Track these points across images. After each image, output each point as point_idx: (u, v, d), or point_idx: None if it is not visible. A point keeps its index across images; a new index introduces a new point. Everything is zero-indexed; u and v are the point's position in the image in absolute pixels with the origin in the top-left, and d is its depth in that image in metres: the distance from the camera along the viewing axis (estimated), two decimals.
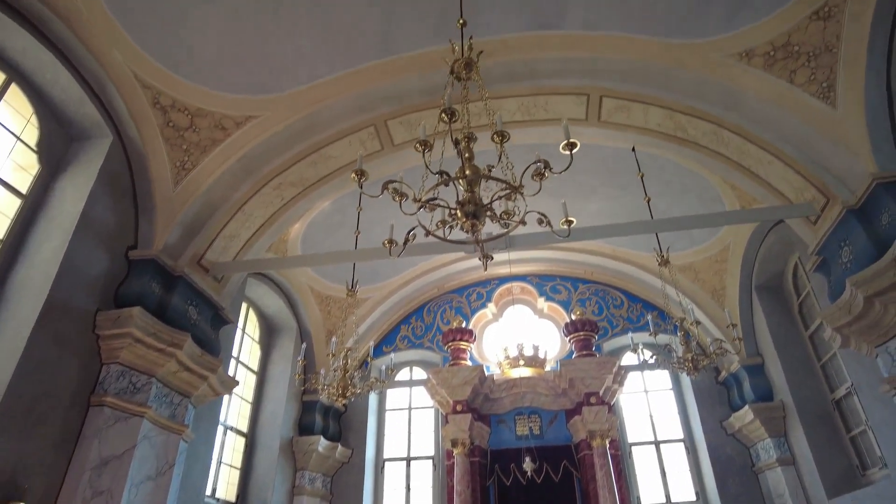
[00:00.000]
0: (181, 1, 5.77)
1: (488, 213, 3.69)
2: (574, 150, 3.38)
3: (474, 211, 3.60)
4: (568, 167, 3.49)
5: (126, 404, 5.57)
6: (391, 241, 4.20)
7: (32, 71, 5.50)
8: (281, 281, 10.06)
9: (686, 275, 10.27)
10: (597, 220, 9.91)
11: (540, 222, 3.91)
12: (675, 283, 8.34)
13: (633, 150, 8.05)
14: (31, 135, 5.67)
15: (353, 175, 3.57)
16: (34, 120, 5.68)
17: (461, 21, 4.89)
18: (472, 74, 4.41)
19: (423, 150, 3.48)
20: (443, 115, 3.50)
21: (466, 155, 3.75)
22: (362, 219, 8.83)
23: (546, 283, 12.32)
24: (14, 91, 5.49)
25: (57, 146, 5.91)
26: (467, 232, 3.70)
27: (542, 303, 12.26)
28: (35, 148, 5.67)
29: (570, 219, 4.02)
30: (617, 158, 8.64)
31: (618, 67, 6.84)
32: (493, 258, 4.48)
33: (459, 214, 3.65)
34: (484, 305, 12.44)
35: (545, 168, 3.45)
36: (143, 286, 6.01)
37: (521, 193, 3.63)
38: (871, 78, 5.42)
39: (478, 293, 12.54)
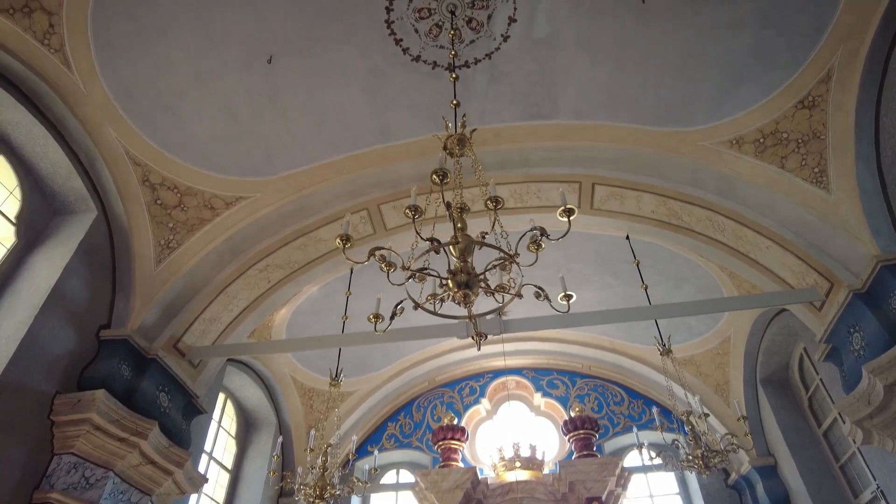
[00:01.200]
0: (179, 82, 5.87)
1: (482, 284, 3.46)
2: (572, 217, 3.22)
3: (467, 281, 3.37)
4: (566, 234, 3.31)
5: (74, 502, 4.96)
6: (377, 316, 3.94)
7: (22, 143, 5.45)
8: (262, 370, 9.55)
9: (687, 368, 9.87)
10: (592, 310, 9.68)
11: (537, 296, 3.68)
12: (678, 374, 7.94)
13: (627, 238, 8.00)
14: (12, 206, 5.52)
15: (338, 240, 3.34)
16: (17, 192, 5.56)
17: (455, 102, 4.96)
18: (466, 150, 4.37)
19: (414, 216, 3.31)
20: (434, 176, 3.36)
21: (459, 225, 3.58)
22: (352, 305, 8.56)
23: (542, 378, 11.81)
24: (0, 162, 5.41)
25: (37, 219, 5.74)
26: (459, 304, 3.44)
27: (538, 398, 11.67)
28: (14, 220, 5.49)
29: (568, 293, 3.79)
30: (611, 247, 8.56)
31: (609, 155, 6.93)
32: (486, 337, 4.18)
33: (451, 285, 3.42)
34: (477, 401, 11.82)
35: (542, 236, 3.27)
36: (111, 368, 5.60)
37: (517, 262, 3.42)
38: (861, 165, 5.45)
39: (471, 388, 11.97)
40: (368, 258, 3.38)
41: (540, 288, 3.67)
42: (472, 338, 4.11)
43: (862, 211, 5.41)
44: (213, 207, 6.70)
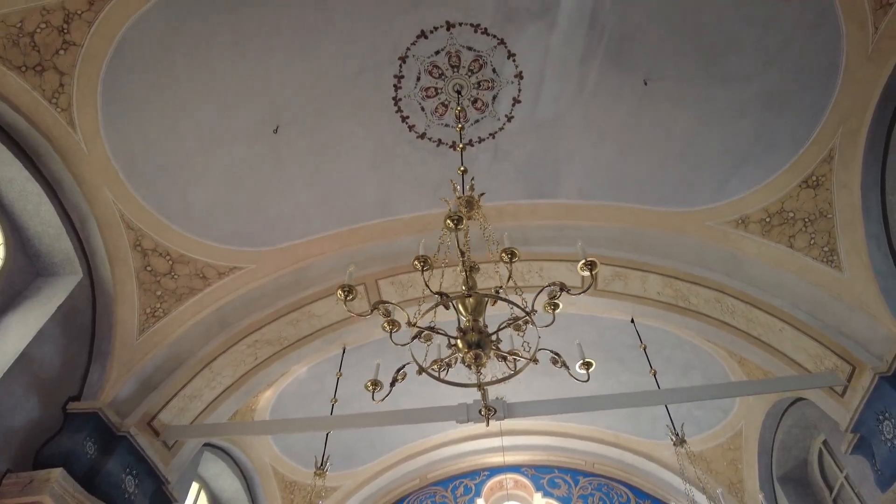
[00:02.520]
0: (184, 148, 5.84)
1: (494, 345, 3.18)
2: (594, 271, 3.01)
3: (478, 340, 3.08)
4: (587, 289, 3.08)
5: None
6: (375, 383, 3.60)
7: (14, 200, 5.29)
8: (241, 458, 8.80)
9: (697, 465, 9.22)
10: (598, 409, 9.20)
11: (554, 362, 3.39)
12: (691, 468, 7.37)
13: (633, 321, 7.75)
14: None
15: (339, 291, 3.06)
16: (1, 250, 5.31)
17: (462, 168, 4.92)
18: (474, 213, 4.25)
19: (423, 268, 3.08)
20: (448, 221, 3.17)
21: (469, 282, 3.35)
22: (342, 389, 8.07)
23: (543, 476, 11.00)
24: None
25: (18, 280, 5.44)
26: (469, 367, 3.12)
27: (538, 499, 10.80)
28: None
29: (587, 360, 3.49)
30: (615, 331, 8.28)
31: (613, 235, 6.85)
32: (494, 412, 3.80)
33: (461, 345, 3.13)
34: (472, 501, 10.92)
35: (561, 291, 3.04)
36: (75, 444, 5.06)
37: (533, 321, 3.16)
38: (871, 243, 5.37)
39: (465, 486, 11.10)
40: (371, 311, 3.11)
41: (556, 353, 3.38)
42: (480, 412, 3.72)
43: (878, 290, 5.25)
44: (206, 277, 6.45)
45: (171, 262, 6.21)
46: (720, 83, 5.61)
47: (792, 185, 5.72)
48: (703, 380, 8.31)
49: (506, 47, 5.80)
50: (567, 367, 3.31)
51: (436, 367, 3.40)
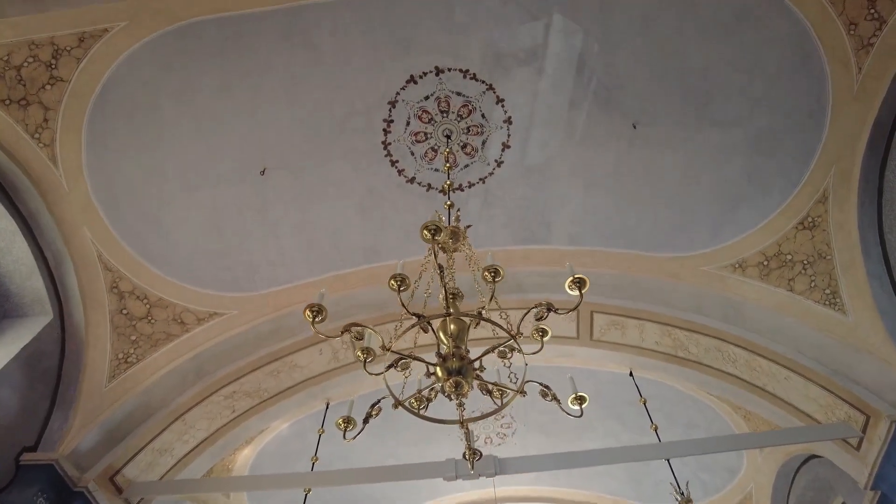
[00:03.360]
0: (168, 190, 5.76)
1: (476, 371, 2.92)
2: (584, 289, 2.81)
3: (459, 367, 2.83)
4: (577, 307, 2.87)
5: None
6: (347, 420, 3.30)
7: None
8: None
9: None
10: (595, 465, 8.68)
11: (544, 395, 3.11)
12: None
13: (631, 374, 7.42)
14: None
15: (307, 312, 2.83)
16: None
17: (448, 203, 4.81)
18: (459, 245, 4.09)
19: (399, 287, 2.88)
20: (425, 231, 3.00)
21: (449, 304, 3.13)
22: (324, 448, 7.58)
23: None
24: None
25: None
26: (449, 396, 2.85)
27: None
28: None
29: (580, 394, 3.22)
30: (613, 385, 7.93)
31: (607, 282, 6.67)
32: (480, 455, 3.47)
33: (440, 373, 2.87)
34: None
35: (548, 311, 2.83)
36: (24, 500, 4.63)
37: (518, 347, 2.92)
38: (874, 284, 5.19)
39: None
40: (342, 333, 2.88)
41: (546, 386, 3.11)
42: (465, 457, 3.40)
43: (886, 332, 5.01)
44: (184, 322, 6.19)
45: (148, 306, 5.97)
46: (710, 126, 5.61)
47: (788, 227, 5.60)
48: (707, 437, 7.86)
49: (494, 93, 5.84)
50: (558, 401, 3.03)
51: (415, 402, 3.12)
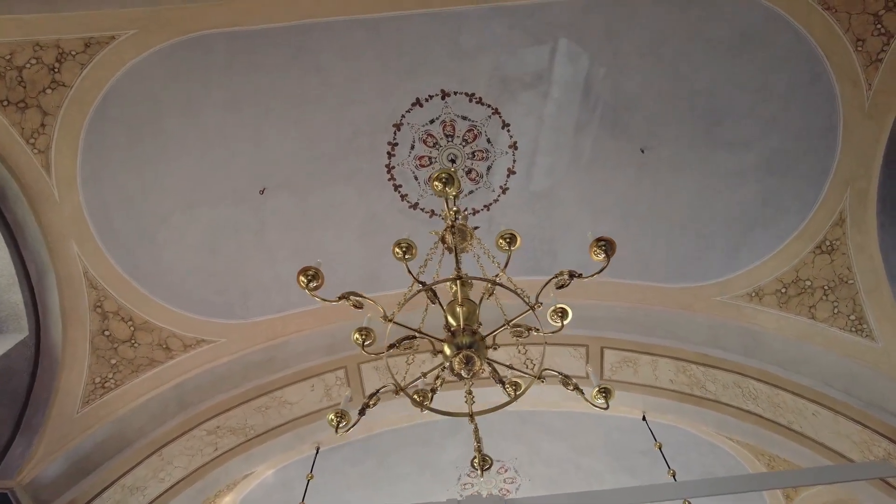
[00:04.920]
0: (163, 205, 5.58)
1: (489, 349, 2.61)
2: (611, 255, 2.56)
3: (471, 342, 2.53)
4: (601, 270, 2.60)
5: None
6: (340, 415, 2.94)
7: None
8: None
9: None
10: None
11: (564, 384, 2.78)
12: None
13: (644, 418, 6.94)
14: None
15: (301, 278, 2.55)
16: None
17: (454, 209, 4.61)
18: (467, 245, 3.86)
19: (403, 254, 2.63)
20: (436, 183, 2.76)
21: (459, 269, 2.86)
22: (314, 499, 6.95)
23: None
24: None
25: None
26: (458, 375, 2.53)
27: None
28: None
29: (605, 386, 2.89)
30: (624, 433, 7.43)
31: (617, 315, 6.38)
32: (491, 463, 3.08)
33: (448, 350, 2.56)
34: None
35: (570, 278, 2.56)
36: None
37: (538, 322, 2.63)
38: None
39: None
40: (339, 299, 2.59)
41: (566, 376, 2.78)
42: (473, 465, 3.00)
43: None
44: (169, 348, 5.82)
45: (133, 329, 5.63)
46: (720, 149, 5.53)
47: (805, 252, 5.39)
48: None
49: (500, 117, 5.80)
50: (581, 392, 2.69)
51: (419, 395, 2.77)
